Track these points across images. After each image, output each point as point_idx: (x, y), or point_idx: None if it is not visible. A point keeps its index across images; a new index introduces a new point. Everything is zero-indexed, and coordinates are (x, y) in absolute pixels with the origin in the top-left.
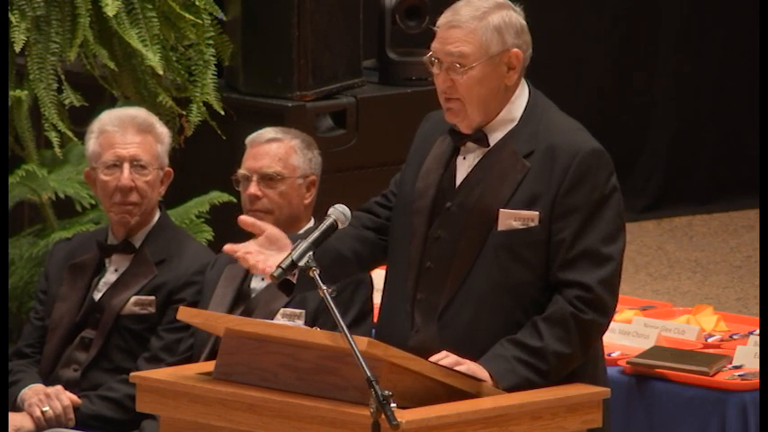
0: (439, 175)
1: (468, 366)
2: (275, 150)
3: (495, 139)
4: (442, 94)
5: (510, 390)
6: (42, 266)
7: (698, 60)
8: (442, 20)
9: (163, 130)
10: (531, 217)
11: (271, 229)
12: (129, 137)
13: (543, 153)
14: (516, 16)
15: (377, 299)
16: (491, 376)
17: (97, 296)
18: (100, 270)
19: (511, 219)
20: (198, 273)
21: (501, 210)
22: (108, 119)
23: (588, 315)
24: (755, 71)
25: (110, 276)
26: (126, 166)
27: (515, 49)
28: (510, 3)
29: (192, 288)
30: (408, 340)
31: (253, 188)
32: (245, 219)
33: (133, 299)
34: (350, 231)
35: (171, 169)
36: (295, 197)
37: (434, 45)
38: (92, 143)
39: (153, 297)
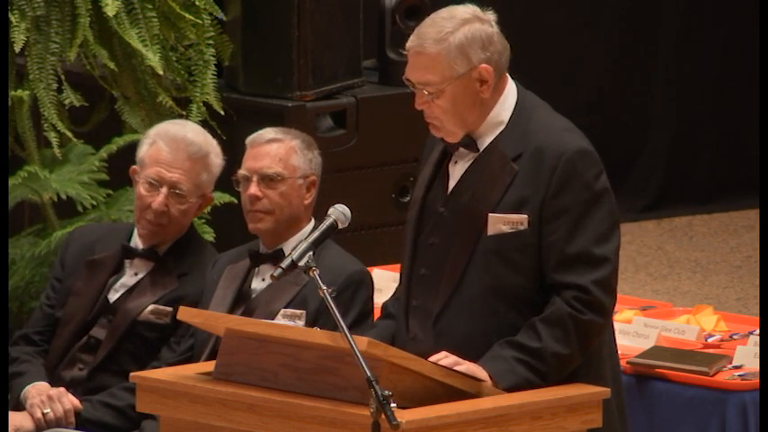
0: (431, 182)
1: (467, 366)
2: (275, 151)
3: (484, 143)
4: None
5: (509, 390)
6: (44, 266)
7: (698, 60)
8: (408, 44)
9: (216, 161)
10: (519, 220)
11: None
12: (177, 161)
13: (531, 155)
14: (480, 27)
15: (377, 299)
16: (490, 376)
17: (112, 297)
18: (118, 269)
19: (500, 223)
20: None
21: (490, 214)
22: (165, 133)
23: (586, 315)
24: (755, 71)
25: (128, 279)
26: (164, 189)
27: (483, 65)
28: (477, 11)
29: None
30: (405, 348)
31: (253, 189)
32: None
33: (151, 307)
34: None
35: (212, 196)
36: (295, 197)
37: (407, 69)
38: (144, 149)
39: (170, 308)
